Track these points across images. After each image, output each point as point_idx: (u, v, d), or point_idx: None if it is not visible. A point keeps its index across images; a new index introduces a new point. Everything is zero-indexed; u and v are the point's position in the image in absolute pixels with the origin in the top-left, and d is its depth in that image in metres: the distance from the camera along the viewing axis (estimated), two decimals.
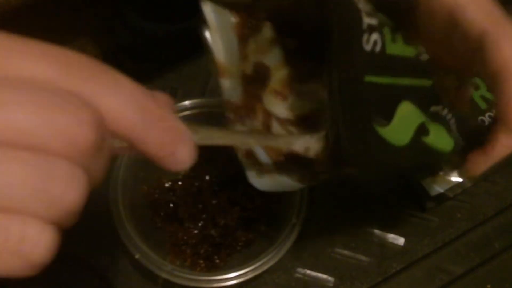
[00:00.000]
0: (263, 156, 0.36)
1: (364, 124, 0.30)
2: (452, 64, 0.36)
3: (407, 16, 0.35)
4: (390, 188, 0.52)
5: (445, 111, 0.36)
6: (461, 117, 0.37)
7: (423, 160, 0.36)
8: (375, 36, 0.30)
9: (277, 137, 0.35)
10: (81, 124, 0.18)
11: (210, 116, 0.49)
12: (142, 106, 0.22)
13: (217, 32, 0.34)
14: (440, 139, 0.35)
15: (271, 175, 0.36)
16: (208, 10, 0.34)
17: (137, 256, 0.43)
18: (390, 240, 0.50)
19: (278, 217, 0.48)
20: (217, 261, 0.47)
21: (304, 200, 0.45)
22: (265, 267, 0.43)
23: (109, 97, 0.20)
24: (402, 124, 0.32)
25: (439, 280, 0.49)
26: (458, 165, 0.51)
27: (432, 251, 0.49)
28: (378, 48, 0.30)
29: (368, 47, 0.30)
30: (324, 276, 0.48)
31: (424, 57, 0.34)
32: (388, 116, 0.31)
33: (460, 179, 0.51)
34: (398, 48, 0.32)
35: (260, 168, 0.36)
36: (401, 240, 0.50)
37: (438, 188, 0.50)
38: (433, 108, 0.35)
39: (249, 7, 0.35)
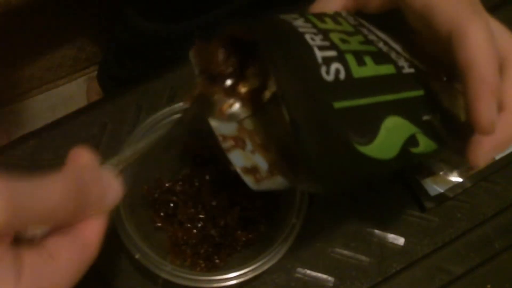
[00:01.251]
0: (260, 161, 0.38)
1: (339, 148, 0.31)
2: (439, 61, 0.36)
3: (403, 26, 0.35)
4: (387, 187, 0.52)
5: (438, 118, 0.36)
6: (451, 117, 0.37)
7: (409, 165, 0.36)
8: (335, 66, 0.32)
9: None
10: None
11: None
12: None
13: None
14: (429, 147, 0.36)
15: (268, 179, 0.37)
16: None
17: (137, 256, 0.43)
18: (390, 240, 0.50)
19: (278, 217, 0.48)
20: (217, 261, 0.47)
21: (304, 200, 0.45)
22: (265, 267, 0.43)
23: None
24: (389, 139, 0.33)
25: (439, 280, 0.49)
26: (458, 165, 0.51)
27: (432, 251, 0.49)
28: (342, 76, 0.32)
29: (330, 77, 0.31)
30: (324, 276, 0.48)
31: (407, 70, 0.35)
32: (372, 133, 0.32)
33: (460, 179, 0.51)
34: (369, 70, 0.33)
35: (258, 175, 0.38)
36: (401, 240, 0.50)
37: (438, 188, 0.50)
38: (425, 117, 0.35)
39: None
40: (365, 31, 0.36)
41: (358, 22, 0.37)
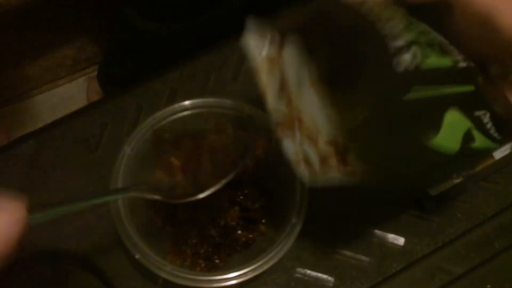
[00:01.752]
0: (310, 152, 0.38)
1: (406, 141, 0.32)
2: (491, 58, 0.36)
3: (443, 19, 0.35)
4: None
5: (487, 115, 0.36)
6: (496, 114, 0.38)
7: (470, 163, 0.37)
8: (406, 57, 0.32)
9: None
10: None
11: (210, 116, 0.49)
12: None
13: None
14: (484, 143, 0.36)
15: (322, 173, 0.37)
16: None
17: (137, 256, 0.43)
18: (390, 240, 0.50)
19: (278, 217, 0.48)
20: (217, 261, 0.47)
21: (304, 200, 0.45)
22: (265, 267, 0.43)
23: None
24: (451, 132, 0.33)
25: (439, 280, 0.49)
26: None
27: (432, 251, 0.49)
28: (412, 66, 0.32)
29: (400, 68, 0.31)
30: (324, 276, 0.48)
31: (462, 64, 0.35)
32: (437, 126, 0.33)
33: (460, 179, 0.51)
34: (433, 61, 0.33)
35: (311, 168, 0.37)
36: (401, 240, 0.50)
37: (438, 188, 0.50)
38: (476, 113, 0.35)
39: None
40: (416, 20, 0.36)
41: (404, 11, 0.37)
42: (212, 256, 0.47)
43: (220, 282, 0.42)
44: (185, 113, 0.49)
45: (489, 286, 0.49)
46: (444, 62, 0.34)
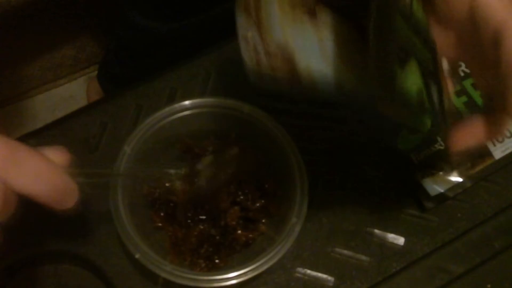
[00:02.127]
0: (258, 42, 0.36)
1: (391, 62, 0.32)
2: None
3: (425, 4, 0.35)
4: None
5: (436, 89, 0.36)
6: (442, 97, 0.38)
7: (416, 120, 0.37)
8: None
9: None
10: None
11: (210, 116, 0.49)
12: (38, 176, 0.32)
13: None
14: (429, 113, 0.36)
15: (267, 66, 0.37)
16: None
17: (137, 256, 0.43)
18: (390, 240, 0.50)
19: (278, 217, 0.48)
20: (217, 261, 0.47)
21: (304, 200, 0.45)
22: (265, 267, 0.43)
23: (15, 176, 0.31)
24: (411, 77, 0.34)
25: (439, 280, 0.49)
26: (458, 165, 0.51)
27: (432, 251, 0.49)
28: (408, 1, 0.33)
29: None
30: (324, 276, 0.48)
31: (430, 34, 0.36)
32: (402, 63, 0.33)
33: (460, 179, 0.51)
34: (419, 12, 0.34)
35: (258, 56, 0.37)
36: (401, 240, 0.50)
37: (438, 188, 0.50)
38: (428, 80, 0.36)
39: None
40: None
41: None
42: (212, 256, 0.47)
43: (220, 282, 0.42)
44: (185, 113, 0.49)
45: (489, 286, 0.49)
46: (424, 19, 0.35)
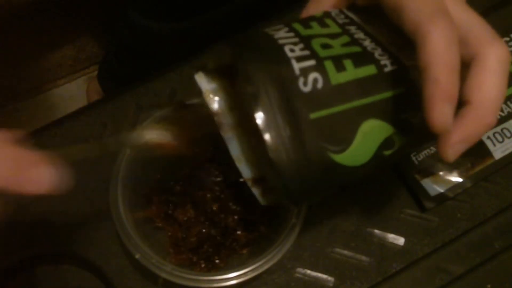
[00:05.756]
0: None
1: (313, 159, 0.32)
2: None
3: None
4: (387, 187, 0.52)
5: (417, 115, 0.36)
6: None
7: (379, 169, 0.37)
8: (313, 76, 0.32)
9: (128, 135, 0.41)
10: None
11: (210, 116, 0.49)
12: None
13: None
14: (403, 148, 0.36)
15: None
16: None
17: (137, 256, 0.43)
18: (390, 240, 0.50)
19: (278, 217, 0.48)
20: (217, 261, 0.47)
21: None
22: (265, 267, 0.43)
23: None
24: (364, 144, 0.33)
25: (439, 280, 0.49)
26: (458, 165, 0.51)
27: (432, 251, 0.49)
28: (320, 85, 0.32)
29: (307, 88, 0.32)
30: (324, 276, 0.48)
31: (389, 68, 0.34)
32: (348, 140, 0.33)
33: (460, 179, 0.51)
34: (348, 75, 0.33)
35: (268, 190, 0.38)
36: (401, 240, 0.50)
37: (438, 188, 0.50)
38: (404, 116, 0.35)
39: None
40: (353, 29, 0.36)
41: (348, 19, 0.37)
42: (212, 256, 0.47)
43: (220, 282, 0.42)
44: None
45: (489, 286, 0.49)
46: (364, 72, 0.33)
